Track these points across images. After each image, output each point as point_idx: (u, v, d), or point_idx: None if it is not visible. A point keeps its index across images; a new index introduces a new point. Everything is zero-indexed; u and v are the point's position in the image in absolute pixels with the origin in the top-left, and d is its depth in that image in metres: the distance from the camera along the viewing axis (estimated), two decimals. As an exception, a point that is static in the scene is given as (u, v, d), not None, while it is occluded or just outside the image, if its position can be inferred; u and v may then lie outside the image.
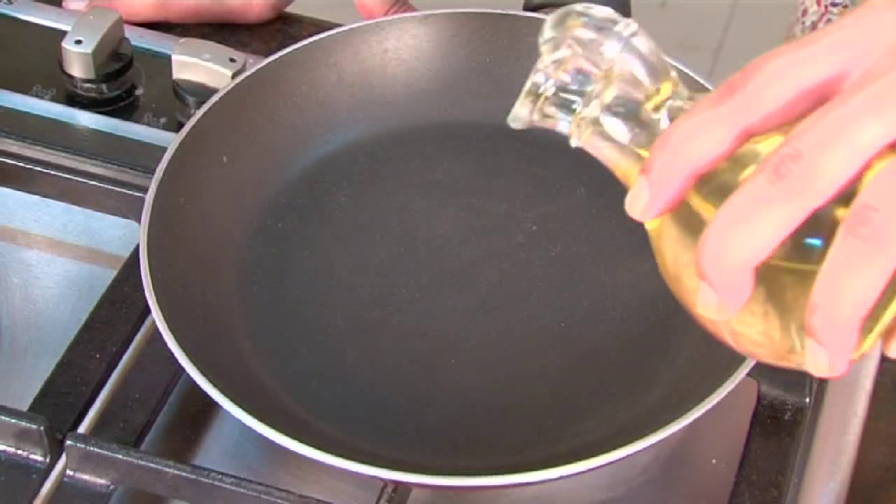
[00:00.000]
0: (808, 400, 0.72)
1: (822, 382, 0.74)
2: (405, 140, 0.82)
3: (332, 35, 0.81)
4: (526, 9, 0.83)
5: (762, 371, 0.70)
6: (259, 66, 0.80)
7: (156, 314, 0.68)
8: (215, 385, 0.66)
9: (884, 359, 0.76)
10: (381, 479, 0.66)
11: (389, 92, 0.82)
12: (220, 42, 0.86)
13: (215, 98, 0.78)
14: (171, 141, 0.76)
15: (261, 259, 0.76)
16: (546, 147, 0.80)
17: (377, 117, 0.82)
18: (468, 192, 0.80)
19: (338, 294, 0.75)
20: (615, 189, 0.78)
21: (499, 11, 0.82)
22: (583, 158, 0.80)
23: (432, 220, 0.79)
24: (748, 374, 0.66)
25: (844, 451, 0.72)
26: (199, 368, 0.66)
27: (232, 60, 0.84)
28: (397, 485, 0.67)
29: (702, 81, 0.78)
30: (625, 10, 0.82)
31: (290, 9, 0.94)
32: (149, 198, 0.73)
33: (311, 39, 0.81)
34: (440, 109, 0.82)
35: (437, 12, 0.82)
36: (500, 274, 0.76)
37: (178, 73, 0.85)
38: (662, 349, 0.72)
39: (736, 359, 0.66)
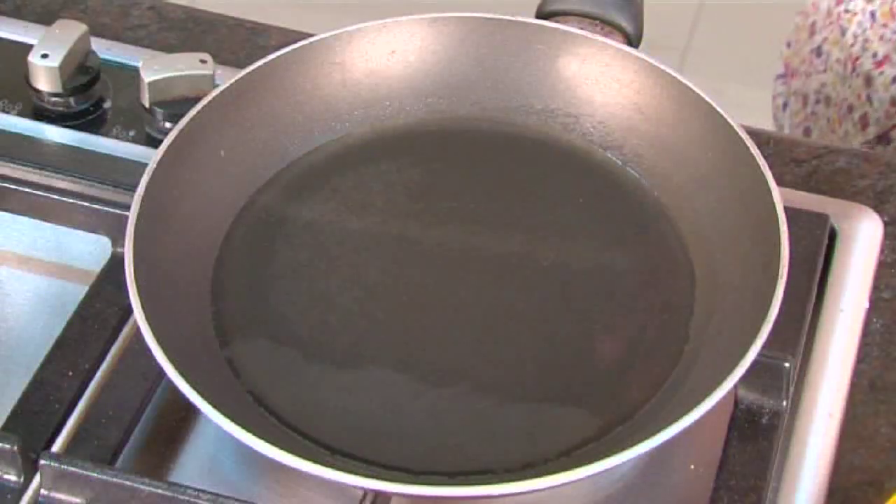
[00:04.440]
0: (784, 403, 0.72)
1: (799, 384, 0.74)
2: (407, 142, 0.81)
3: (338, 34, 0.81)
4: (538, 16, 0.83)
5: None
6: (262, 62, 0.79)
7: (135, 304, 0.68)
8: (195, 387, 0.65)
9: (860, 360, 0.76)
10: (361, 489, 0.65)
11: (395, 93, 0.82)
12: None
13: (216, 92, 0.78)
14: (140, 154, 0.76)
15: (258, 258, 0.76)
16: (548, 154, 0.80)
17: (379, 118, 0.82)
18: (469, 198, 0.79)
19: (334, 294, 0.75)
20: (614, 195, 0.79)
21: (508, 18, 0.82)
22: (583, 165, 0.80)
23: (431, 224, 0.78)
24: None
25: (822, 453, 0.72)
26: (176, 367, 0.66)
27: (202, 62, 0.84)
28: (377, 494, 0.67)
29: (673, 74, 0.79)
30: (637, 20, 0.82)
31: (258, 18, 0.94)
32: (140, 187, 0.72)
33: (318, 37, 0.81)
34: (444, 113, 0.82)
35: (446, 15, 0.82)
36: (494, 278, 0.76)
37: (156, 97, 0.83)
38: (654, 359, 0.72)
39: (723, 369, 0.66)
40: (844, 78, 0.99)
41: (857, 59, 0.98)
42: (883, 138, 0.99)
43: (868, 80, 0.97)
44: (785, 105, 1.09)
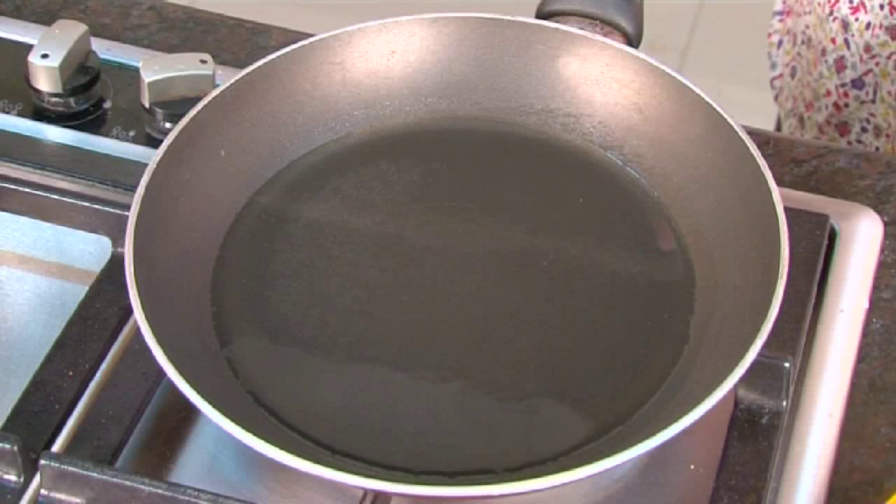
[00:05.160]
0: (784, 403, 0.72)
1: (799, 384, 0.74)
2: (407, 142, 0.81)
3: (338, 34, 0.81)
4: (538, 16, 0.83)
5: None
6: (262, 62, 0.79)
7: (135, 304, 0.68)
8: (195, 387, 0.65)
9: (860, 360, 0.76)
10: (361, 489, 0.65)
11: (395, 93, 0.82)
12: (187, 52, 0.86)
13: (216, 92, 0.78)
14: (140, 154, 0.76)
15: (258, 258, 0.76)
16: (548, 154, 0.80)
17: (379, 118, 0.82)
18: (469, 198, 0.79)
19: (334, 294, 0.75)
20: (614, 195, 0.79)
21: (508, 18, 0.82)
22: (583, 165, 0.80)
23: (431, 224, 0.78)
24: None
25: (822, 453, 0.72)
26: (176, 367, 0.66)
27: (202, 62, 0.84)
28: (377, 494, 0.67)
29: (673, 74, 0.79)
30: (637, 20, 0.82)
31: (258, 18, 0.94)
32: (140, 187, 0.72)
33: (318, 37, 0.81)
34: (444, 113, 0.82)
35: (446, 15, 0.82)
36: (494, 278, 0.76)
37: (156, 97, 0.83)
38: (654, 359, 0.72)
39: (723, 369, 0.66)
40: (823, 20, 1.00)
41: (835, 2, 0.99)
42: (857, 82, 1.00)
43: (845, 25, 0.98)
44: (780, 43, 1.10)
